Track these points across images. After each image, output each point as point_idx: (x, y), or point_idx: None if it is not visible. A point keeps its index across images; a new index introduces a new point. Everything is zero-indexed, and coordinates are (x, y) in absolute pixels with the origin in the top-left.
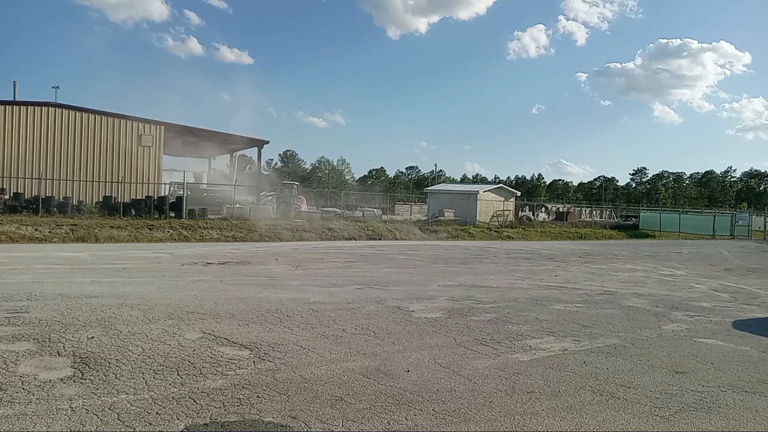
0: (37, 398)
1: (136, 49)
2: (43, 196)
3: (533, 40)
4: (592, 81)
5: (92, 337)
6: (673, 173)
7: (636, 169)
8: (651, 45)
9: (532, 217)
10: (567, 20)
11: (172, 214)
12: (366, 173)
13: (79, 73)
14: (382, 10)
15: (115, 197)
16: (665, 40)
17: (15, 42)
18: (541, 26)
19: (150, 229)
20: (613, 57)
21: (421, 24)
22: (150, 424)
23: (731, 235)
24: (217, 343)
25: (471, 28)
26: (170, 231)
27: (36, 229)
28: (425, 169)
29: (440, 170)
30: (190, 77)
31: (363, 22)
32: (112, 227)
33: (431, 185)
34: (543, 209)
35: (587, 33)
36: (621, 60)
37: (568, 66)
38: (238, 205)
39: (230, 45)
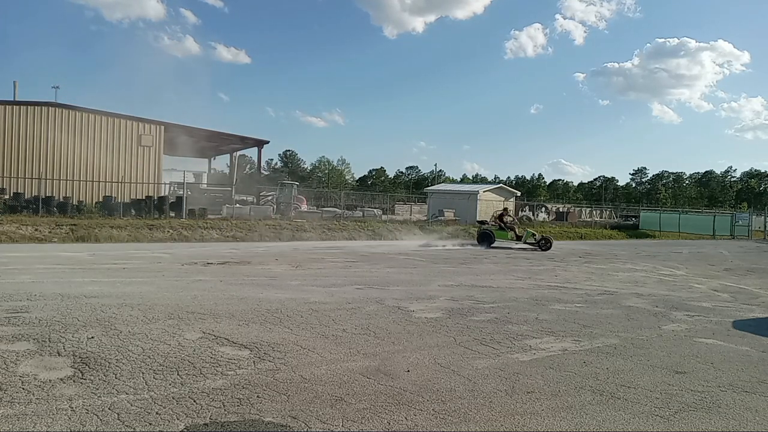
0: (37, 398)
1: (132, 48)
2: (43, 196)
3: (530, 39)
4: (590, 81)
5: (92, 337)
6: (673, 173)
7: (636, 169)
8: (649, 44)
9: (532, 217)
10: (564, 19)
11: (172, 214)
12: (366, 173)
13: (78, 72)
14: (378, 9)
15: (115, 197)
16: (663, 40)
17: (14, 42)
18: (538, 25)
19: (150, 229)
20: (611, 56)
21: (418, 23)
22: (150, 424)
23: (731, 235)
24: (217, 343)
25: (468, 27)
26: (170, 231)
27: (36, 229)
28: (425, 169)
29: (440, 170)
30: (188, 76)
31: (359, 21)
32: (112, 227)
33: (431, 185)
34: (543, 209)
35: (585, 32)
36: (619, 59)
37: (566, 65)
38: (238, 205)
39: (227, 44)
